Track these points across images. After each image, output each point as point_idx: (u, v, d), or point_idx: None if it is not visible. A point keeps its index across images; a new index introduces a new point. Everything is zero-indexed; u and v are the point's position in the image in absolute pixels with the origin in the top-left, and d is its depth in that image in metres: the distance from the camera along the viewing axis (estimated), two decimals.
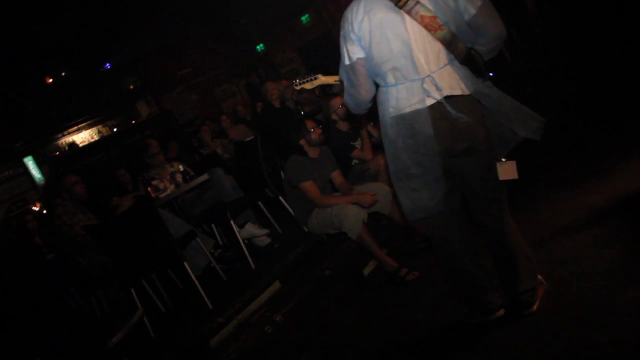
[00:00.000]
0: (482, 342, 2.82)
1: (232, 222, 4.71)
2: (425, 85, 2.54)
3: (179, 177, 5.80)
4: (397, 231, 4.61)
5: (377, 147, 5.09)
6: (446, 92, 2.53)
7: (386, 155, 2.82)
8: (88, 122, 12.69)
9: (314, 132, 4.59)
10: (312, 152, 4.67)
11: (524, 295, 2.78)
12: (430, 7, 2.47)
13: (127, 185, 7.72)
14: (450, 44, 2.50)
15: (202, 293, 4.30)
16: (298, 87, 3.86)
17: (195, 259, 4.85)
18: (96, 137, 12.53)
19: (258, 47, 14.81)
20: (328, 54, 14.08)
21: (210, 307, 4.28)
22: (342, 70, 2.77)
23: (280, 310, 4.22)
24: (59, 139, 12.22)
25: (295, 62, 14.96)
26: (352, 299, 4.13)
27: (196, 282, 4.29)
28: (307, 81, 3.84)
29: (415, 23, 2.49)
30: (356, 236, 4.22)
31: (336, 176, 4.76)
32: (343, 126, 5.20)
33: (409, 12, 2.48)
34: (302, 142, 4.63)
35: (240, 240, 4.76)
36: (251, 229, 5.30)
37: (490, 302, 2.87)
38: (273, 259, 4.79)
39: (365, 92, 2.73)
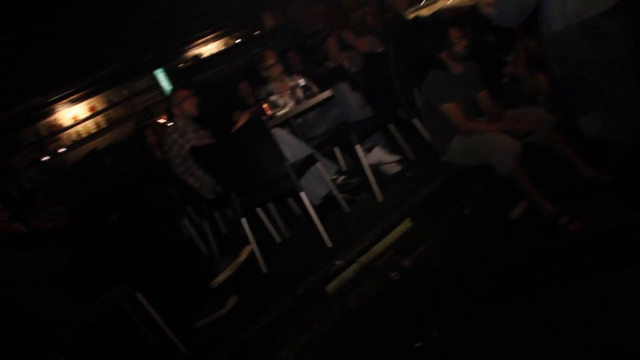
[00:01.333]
0: None
1: (357, 145, 4.05)
2: None
3: (299, 92, 5.21)
4: (557, 168, 3.74)
5: (536, 63, 4.16)
6: None
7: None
8: (215, 34, 12.38)
9: (459, 44, 3.75)
10: (455, 68, 3.86)
11: None
12: None
13: (248, 99, 7.32)
14: None
15: (321, 229, 3.75)
16: (411, 15, 2.85)
17: (314, 186, 4.29)
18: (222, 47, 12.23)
19: None
20: None
21: (330, 244, 3.74)
22: None
23: (410, 254, 3.60)
24: (186, 51, 12.07)
25: None
26: (496, 245, 3.42)
27: (314, 216, 3.74)
28: (423, 6, 2.74)
29: None
30: (507, 172, 3.46)
31: (483, 97, 3.94)
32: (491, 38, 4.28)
33: None
34: (443, 55, 3.82)
35: (367, 167, 4.11)
36: (380, 153, 4.63)
37: None
38: (404, 191, 4.11)
39: None
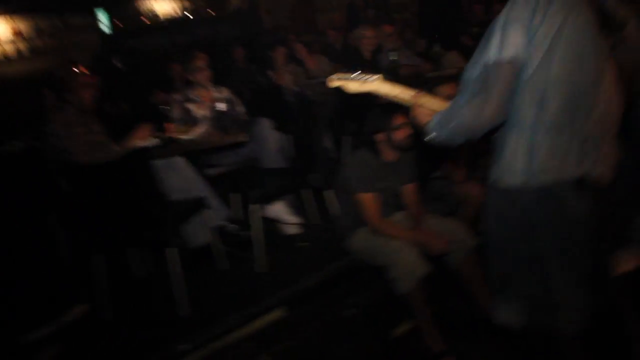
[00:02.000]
0: None
1: (251, 205, 3.51)
2: (585, 147, 1.85)
3: (221, 107, 4.60)
4: (456, 294, 3.33)
5: (477, 170, 3.77)
6: (601, 170, 1.88)
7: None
8: None
9: (401, 132, 3.28)
10: (388, 154, 3.38)
11: None
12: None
13: (175, 84, 6.61)
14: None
15: (180, 292, 3.19)
16: (335, 83, 2.24)
17: (195, 229, 3.75)
18: (179, 13, 11.37)
19: None
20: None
21: (185, 312, 3.18)
22: (471, 69, 1.87)
23: (270, 349, 3.11)
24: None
25: None
26: None
27: (176, 275, 3.18)
28: (354, 79, 2.16)
29: (613, 64, 1.85)
30: (404, 291, 3.03)
31: (409, 191, 3.48)
32: None
33: (614, 46, 1.84)
34: (380, 137, 3.34)
35: (258, 229, 3.59)
36: (280, 209, 4.11)
37: None
38: (291, 268, 3.63)
39: (497, 106, 1.81)
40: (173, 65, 6.86)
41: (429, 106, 2.16)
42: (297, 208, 4.27)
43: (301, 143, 4.29)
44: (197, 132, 3.95)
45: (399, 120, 3.28)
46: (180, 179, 3.75)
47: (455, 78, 4.83)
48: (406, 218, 3.48)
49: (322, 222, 4.23)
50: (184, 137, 3.84)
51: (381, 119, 3.31)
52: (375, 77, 2.15)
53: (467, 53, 6.72)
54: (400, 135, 3.28)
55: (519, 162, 1.88)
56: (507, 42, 1.77)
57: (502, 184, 1.94)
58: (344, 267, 3.58)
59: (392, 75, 5.04)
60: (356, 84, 2.17)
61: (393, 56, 5.01)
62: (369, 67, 5.30)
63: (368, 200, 3.27)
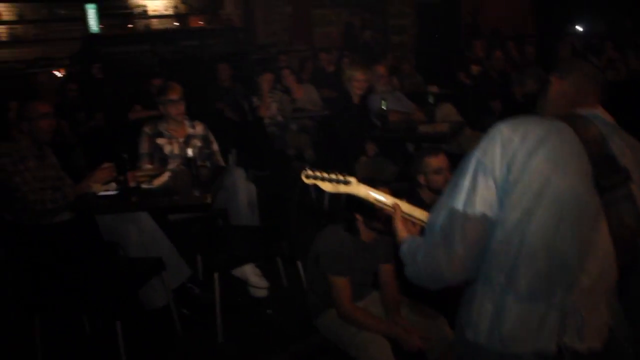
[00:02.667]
0: None
1: (215, 275, 3.18)
2: (567, 321, 1.52)
3: (196, 143, 4.27)
4: None
5: None
6: (588, 344, 1.54)
7: None
8: None
9: (382, 215, 2.97)
10: (366, 234, 3.07)
11: None
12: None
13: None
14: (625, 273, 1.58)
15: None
16: (308, 181, 1.94)
17: (152, 290, 3.41)
18: (171, 12, 10.93)
19: None
20: (450, 32, 12.65)
21: None
22: (437, 212, 1.60)
23: None
24: None
25: (408, 20, 13.11)
26: None
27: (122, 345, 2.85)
28: (327, 180, 1.90)
29: (606, 229, 1.52)
30: None
31: (386, 272, 3.17)
32: (427, 196, 3.53)
33: (610, 204, 1.51)
34: (359, 217, 3.03)
35: (216, 293, 3.26)
36: (248, 272, 3.79)
37: None
38: (251, 342, 3.30)
39: (461, 263, 1.53)
40: (154, 80, 6.51)
41: (410, 216, 1.87)
42: (267, 270, 3.94)
43: (276, 196, 3.95)
44: (163, 179, 3.59)
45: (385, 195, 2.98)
46: (140, 234, 3.42)
47: (446, 138, 4.62)
48: (381, 301, 3.19)
49: (292, 289, 3.90)
50: (148, 186, 3.49)
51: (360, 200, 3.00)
52: (350, 179, 1.87)
53: (463, 95, 6.52)
54: (380, 219, 2.97)
55: (484, 322, 1.59)
56: (476, 195, 1.51)
57: (467, 335, 1.65)
58: (311, 346, 3.25)
59: (382, 122, 4.75)
60: (330, 185, 1.88)
61: (383, 105, 4.70)
62: (358, 112, 4.99)
63: (341, 284, 2.96)
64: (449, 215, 1.53)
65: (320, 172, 1.89)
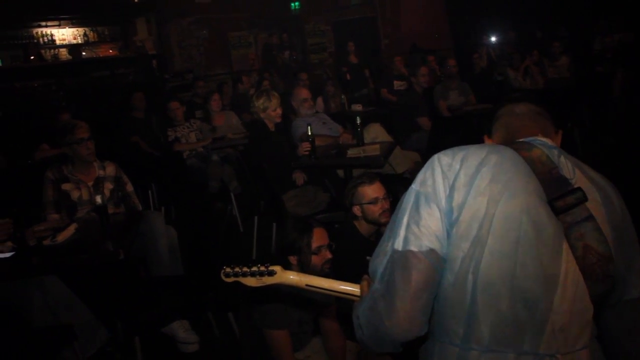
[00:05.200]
0: None
1: (135, 338, 2.80)
2: None
3: (108, 186, 3.87)
4: None
5: None
6: None
7: None
8: (72, 18, 10.38)
9: (320, 256, 2.70)
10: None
11: None
12: (606, 233, 1.31)
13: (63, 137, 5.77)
14: (600, 307, 1.36)
15: None
16: (228, 279, 1.65)
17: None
18: (80, 40, 10.32)
19: (293, 4, 12.77)
20: (365, 45, 12.68)
21: None
22: (377, 258, 1.39)
23: None
24: (33, 27, 9.96)
25: (326, 38, 13.22)
26: None
27: None
28: (249, 274, 1.64)
29: (571, 256, 1.28)
30: None
31: (327, 316, 2.89)
32: (365, 229, 3.29)
33: (570, 228, 1.28)
34: (292, 259, 2.74)
35: (139, 356, 2.87)
36: (175, 326, 3.40)
37: None
38: None
39: (407, 314, 1.29)
40: (61, 115, 6.02)
41: (352, 294, 1.62)
42: (195, 321, 3.57)
43: (199, 238, 3.59)
44: (69, 232, 3.17)
45: (317, 240, 2.71)
46: (46, 300, 2.99)
47: (378, 161, 4.42)
48: (325, 349, 2.91)
49: (225, 339, 3.55)
50: (51, 242, 3.06)
51: (298, 236, 2.72)
52: (274, 269, 1.61)
53: (390, 112, 6.37)
54: (318, 260, 2.70)
55: None
56: (420, 227, 1.31)
57: None
58: None
59: (311, 149, 4.49)
60: (254, 280, 1.60)
61: (309, 130, 4.44)
62: (276, 139, 4.70)
63: (278, 338, 2.66)
64: (389, 259, 1.32)
65: (239, 267, 1.62)
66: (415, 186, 1.38)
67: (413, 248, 1.29)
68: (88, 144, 3.79)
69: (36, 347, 2.77)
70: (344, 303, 2.98)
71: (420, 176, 1.39)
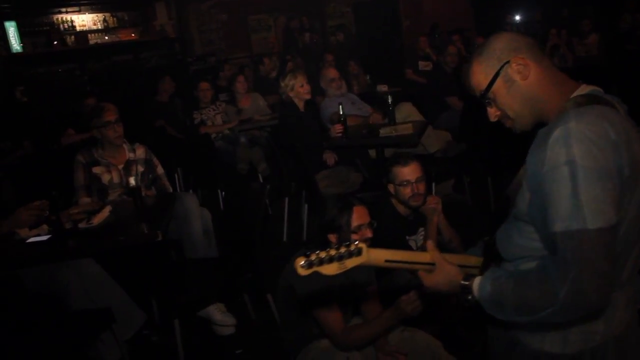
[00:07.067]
0: None
1: (175, 321, 2.75)
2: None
3: (138, 169, 3.82)
4: None
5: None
6: None
7: None
8: (92, 4, 10.35)
9: (359, 234, 2.61)
10: None
11: None
12: None
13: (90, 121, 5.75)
14: None
15: None
16: (307, 271, 1.52)
17: (101, 345, 2.95)
18: (100, 26, 10.28)
19: None
20: (386, 28, 12.52)
21: None
22: (568, 237, 1.28)
23: None
24: (54, 13, 9.96)
25: (346, 19, 13.01)
26: None
27: None
28: (328, 260, 1.43)
29: None
30: None
31: (369, 296, 2.82)
32: (402, 207, 3.21)
33: None
34: (332, 237, 2.66)
35: (179, 343, 2.83)
36: (211, 309, 3.36)
37: None
38: None
39: (610, 283, 1.29)
40: (86, 100, 5.99)
41: (426, 263, 1.55)
42: (231, 303, 3.52)
43: (234, 220, 3.54)
44: (104, 215, 3.13)
45: (358, 218, 2.63)
46: (82, 281, 2.96)
47: (411, 140, 4.33)
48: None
49: (262, 322, 3.50)
50: (87, 225, 3.02)
51: (338, 214, 2.64)
52: (360, 245, 1.47)
53: (418, 93, 6.25)
54: (357, 239, 2.61)
55: (598, 323, 1.42)
56: (605, 204, 1.26)
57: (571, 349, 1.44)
58: None
59: (343, 129, 4.40)
60: (334, 265, 1.46)
61: (341, 109, 4.35)
62: (307, 119, 4.63)
63: (330, 314, 2.60)
64: (566, 236, 1.27)
65: (316, 255, 1.46)
66: (579, 161, 1.27)
67: (603, 224, 1.25)
68: (116, 127, 3.74)
69: (75, 331, 2.74)
70: (385, 283, 2.95)
71: (575, 150, 1.27)
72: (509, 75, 1.44)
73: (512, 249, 1.51)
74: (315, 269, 1.45)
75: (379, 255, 1.53)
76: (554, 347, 1.45)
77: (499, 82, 1.45)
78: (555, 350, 1.45)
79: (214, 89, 6.31)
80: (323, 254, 1.42)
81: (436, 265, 1.53)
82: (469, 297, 1.46)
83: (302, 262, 1.45)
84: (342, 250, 1.44)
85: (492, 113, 1.52)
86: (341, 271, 1.49)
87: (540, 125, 1.47)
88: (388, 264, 1.56)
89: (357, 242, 1.46)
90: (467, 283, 1.47)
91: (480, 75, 1.49)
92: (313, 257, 1.42)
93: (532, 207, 1.37)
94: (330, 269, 1.46)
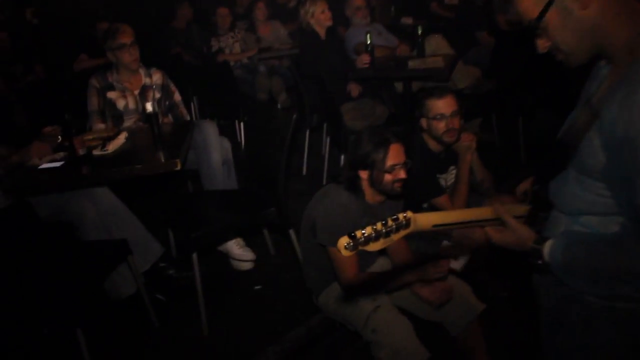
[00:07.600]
0: None
1: (194, 255, 2.64)
2: None
3: (155, 95, 3.65)
4: None
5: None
6: None
7: None
8: None
9: (393, 174, 2.44)
10: (372, 196, 2.56)
11: None
12: None
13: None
14: None
15: None
16: (350, 253, 1.37)
17: (121, 277, 2.87)
18: None
19: None
20: None
21: None
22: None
23: None
24: None
25: None
26: None
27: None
28: (375, 238, 1.27)
29: None
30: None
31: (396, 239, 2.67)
32: (433, 144, 3.02)
33: None
34: (362, 173, 2.50)
35: (197, 278, 2.73)
36: (230, 243, 3.25)
37: None
38: (243, 329, 2.81)
39: None
40: (99, 24, 5.76)
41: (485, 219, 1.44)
42: (250, 237, 3.41)
43: (255, 152, 3.38)
44: (119, 141, 2.97)
45: (393, 158, 2.44)
46: (97, 211, 2.83)
47: (441, 74, 4.09)
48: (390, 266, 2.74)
49: (281, 258, 3.40)
50: (102, 152, 2.86)
51: (373, 150, 2.46)
52: (409, 215, 1.30)
53: (446, 27, 5.94)
54: (390, 178, 2.45)
55: None
56: None
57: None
58: (310, 332, 2.78)
59: (370, 59, 4.17)
60: (380, 241, 1.29)
61: (369, 39, 4.11)
62: (325, 49, 4.40)
63: (343, 256, 2.46)
64: None
65: (362, 233, 1.28)
66: None
67: None
68: (131, 50, 3.56)
69: (90, 262, 2.63)
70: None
71: None
72: (565, 4, 1.21)
73: (575, 203, 1.32)
74: (361, 248, 1.29)
75: (428, 221, 1.38)
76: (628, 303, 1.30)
77: (552, 11, 1.21)
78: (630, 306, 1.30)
79: (232, 15, 6.04)
80: (370, 231, 1.25)
81: (507, 224, 1.40)
82: (539, 262, 1.34)
83: (346, 244, 1.28)
84: (391, 224, 1.28)
85: (542, 44, 1.30)
86: (385, 246, 1.34)
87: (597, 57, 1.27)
88: (437, 228, 1.41)
89: (405, 214, 1.31)
90: (539, 247, 1.33)
91: (529, 1, 1.26)
92: (359, 236, 1.26)
93: (611, 170, 1.20)
94: (375, 246, 1.31)
